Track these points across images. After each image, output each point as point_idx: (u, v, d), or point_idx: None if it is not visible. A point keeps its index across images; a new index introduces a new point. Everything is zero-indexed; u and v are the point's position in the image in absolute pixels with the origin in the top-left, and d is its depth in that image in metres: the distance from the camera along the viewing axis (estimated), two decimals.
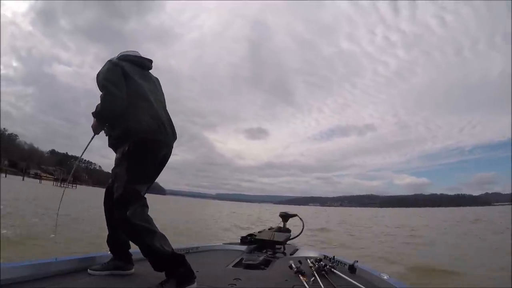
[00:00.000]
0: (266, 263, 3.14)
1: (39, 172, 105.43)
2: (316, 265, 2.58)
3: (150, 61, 2.60)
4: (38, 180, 78.40)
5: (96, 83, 2.30)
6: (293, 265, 2.61)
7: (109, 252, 2.45)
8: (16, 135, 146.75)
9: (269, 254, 3.55)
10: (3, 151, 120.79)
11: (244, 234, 4.40)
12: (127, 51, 2.52)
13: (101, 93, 2.24)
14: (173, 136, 2.45)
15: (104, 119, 2.31)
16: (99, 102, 2.25)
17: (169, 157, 2.46)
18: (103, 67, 2.29)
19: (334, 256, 3.07)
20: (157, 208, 21.98)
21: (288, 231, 4.33)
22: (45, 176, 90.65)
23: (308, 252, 3.86)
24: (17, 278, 1.94)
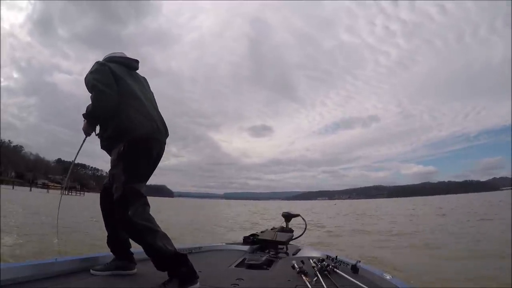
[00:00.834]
0: (268, 263, 3.12)
1: (46, 181, 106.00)
2: (319, 265, 2.56)
3: (137, 62, 2.61)
4: (46, 190, 78.72)
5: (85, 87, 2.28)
6: (295, 265, 2.60)
7: (111, 253, 2.46)
8: (21, 146, 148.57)
9: (272, 254, 3.54)
10: (9, 163, 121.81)
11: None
12: (113, 53, 2.54)
13: (90, 94, 2.23)
14: (165, 133, 2.47)
15: (95, 119, 2.32)
16: (89, 103, 2.24)
17: (162, 154, 2.46)
18: (91, 69, 2.29)
19: (336, 256, 3.04)
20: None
21: (291, 231, 4.30)
22: (53, 185, 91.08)
23: (311, 252, 3.83)
24: (18, 278, 1.94)
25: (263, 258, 3.14)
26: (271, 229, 4.51)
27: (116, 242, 2.42)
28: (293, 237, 4.22)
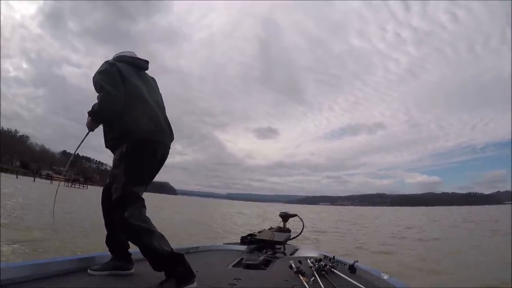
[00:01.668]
0: (266, 263, 3.12)
1: (50, 173, 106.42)
2: (316, 265, 2.55)
3: (146, 62, 2.59)
4: (49, 181, 79.11)
5: (93, 85, 2.29)
6: (293, 265, 2.59)
7: (109, 252, 2.45)
8: (27, 137, 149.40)
9: (269, 254, 3.53)
10: (15, 152, 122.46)
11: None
12: (122, 52, 2.53)
13: (97, 94, 2.23)
14: (171, 136, 2.46)
15: (101, 119, 2.32)
16: (95, 102, 2.24)
17: (166, 157, 2.45)
18: (99, 68, 2.29)
19: (334, 256, 3.04)
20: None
21: (288, 231, 4.30)
22: (57, 177, 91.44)
23: (308, 252, 3.84)
24: (16, 278, 1.93)
25: (261, 258, 3.14)
26: (269, 229, 4.51)
27: (115, 242, 2.40)
28: (291, 237, 4.21)
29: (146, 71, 2.62)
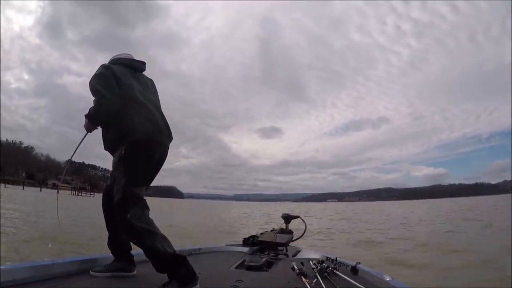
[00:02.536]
0: (268, 265, 3.10)
1: (56, 182, 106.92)
2: (319, 267, 2.53)
3: (143, 63, 2.61)
4: (56, 190, 79.49)
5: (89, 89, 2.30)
6: (295, 266, 2.56)
7: (111, 254, 2.45)
8: (32, 147, 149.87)
9: (271, 256, 3.51)
10: (20, 164, 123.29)
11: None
12: (119, 55, 2.56)
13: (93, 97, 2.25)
14: (169, 136, 2.45)
15: (98, 122, 2.36)
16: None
17: (165, 158, 2.45)
18: (95, 72, 2.31)
19: (336, 258, 3.02)
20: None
21: (291, 232, 4.28)
22: (63, 186, 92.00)
23: (310, 253, 3.81)
24: (18, 280, 1.93)
25: (263, 260, 3.12)
26: (271, 230, 4.50)
27: (117, 243, 2.41)
28: (293, 239, 4.20)
29: (144, 73, 2.64)
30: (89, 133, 2.46)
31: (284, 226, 4.44)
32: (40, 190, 71.22)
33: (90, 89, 2.28)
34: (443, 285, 5.76)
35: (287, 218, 4.47)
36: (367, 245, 10.35)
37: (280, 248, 3.82)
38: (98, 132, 2.43)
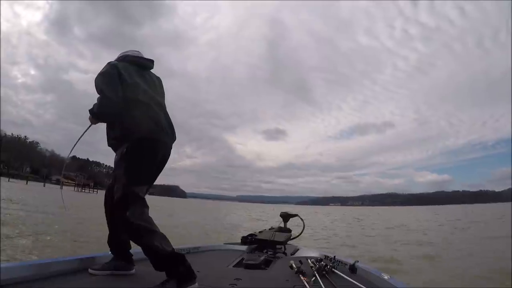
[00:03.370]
0: (266, 263, 3.10)
1: (60, 178, 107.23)
2: (317, 265, 2.54)
3: (150, 61, 2.61)
4: (59, 186, 79.74)
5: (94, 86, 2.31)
6: (293, 265, 2.59)
7: (110, 252, 2.45)
8: (37, 143, 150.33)
9: (270, 254, 3.52)
10: (25, 159, 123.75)
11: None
12: (127, 51, 2.56)
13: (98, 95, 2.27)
14: (172, 136, 2.45)
15: (100, 120, 2.38)
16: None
17: (168, 157, 2.46)
18: (102, 69, 2.32)
19: (334, 256, 3.01)
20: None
21: (289, 231, 4.29)
22: (66, 182, 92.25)
23: (309, 252, 3.82)
24: (17, 278, 1.93)
25: (261, 258, 3.12)
26: (269, 229, 4.49)
27: (116, 241, 2.42)
28: (291, 237, 4.20)
29: (152, 70, 2.64)
30: (93, 126, 2.47)
31: (282, 224, 4.45)
32: (44, 185, 71.50)
33: (95, 87, 2.28)
34: (443, 284, 5.74)
35: (286, 217, 4.48)
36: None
37: (278, 246, 3.81)
38: (102, 129, 2.41)
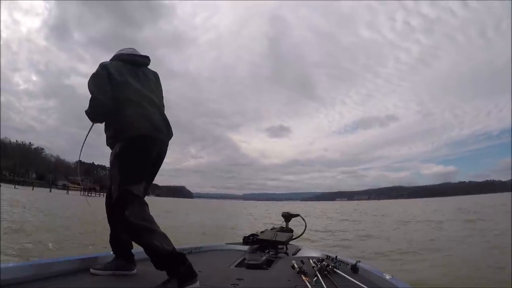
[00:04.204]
0: (268, 263, 3.08)
1: (66, 183, 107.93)
2: (319, 265, 2.51)
3: (145, 58, 2.61)
4: (65, 191, 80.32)
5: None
6: (295, 265, 2.57)
7: (112, 252, 2.45)
8: (42, 149, 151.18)
9: (272, 254, 3.50)
10: (30, 165, 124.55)
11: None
12: (122, 49, 2.57)
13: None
14: (168, 133, 2.45)
15: (94, 121, 2.41)
16: None
17: (164, 155, 2.47)
18: (93, 71, 2.32)
19: (336, 256, 2.98)
20: None
21: (291, 231, 4.26)
22: (73, 187, 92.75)
23: (311, 252, 3.80)
24: (18, 278, 1.93)
25: (263, 258, 3.10)
26: (271, 229, 4.47)
27: (118, 242, 2.41)
28: (293, 237, 4.18)
29: (155, 71, 2.66)
30: (95, 127, 2.48)
31: (284, 224, 4.43)
32: (50, 191, 71.93)
33: (88, 88, 2.30)
34: (443, 284, 5.67)
35: (287, 217, 4.45)
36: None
37: (280, 246, 3.80)
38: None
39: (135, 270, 2.42)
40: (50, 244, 7.22)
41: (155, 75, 2.65)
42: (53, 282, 2.00)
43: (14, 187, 64.61)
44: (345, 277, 2.32)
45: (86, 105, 2.31)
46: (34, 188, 72.70)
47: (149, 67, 2.67)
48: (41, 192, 57.87)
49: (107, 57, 2.51)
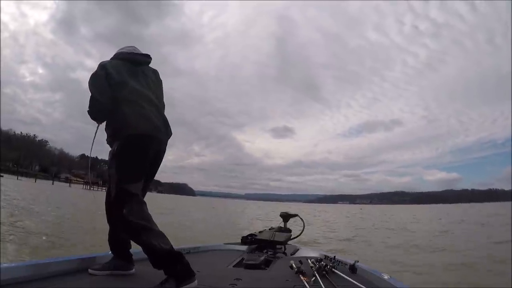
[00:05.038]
0: (266, 263, 3.08)
1: (69, 176, 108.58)
2: (317, 265, 2.51)
3: (145, 56, 2.60)
4: (68, 184, 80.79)
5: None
6: (293, 265, 2.57)
7: (110, 252, 2.45)
8: (46, 141, 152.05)
9: (270, 254, 3.49)
10: (34, 157, 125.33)
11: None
12: (122, 48, 2.57)
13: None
14: (166, 131, 2.45)
15: (95, 120, 2.45)
16: None
17: (163, 153, 2.48)
18: (93, 71, 2.35)
19: (335, 256, 3.00)
20: None
21: (289, 231, 4.27)
22: (75, 180, 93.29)
23: (309, 252, 3.81)
24: (17, 278, 1.93)
25: (261, 258, 3.10)
26: (269, 229, 4.46)
27: (117, 241, 2.41)
28: (291, 237, 4.18)
29: (158, 70, 2.67)
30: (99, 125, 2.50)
31: (282, 224, 4.43)
32: (53, 183, 72.31)
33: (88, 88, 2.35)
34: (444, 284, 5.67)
35: (286, 217, 4.46)
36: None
37: (278, 246, 3.80)
38: None
39: (134, 270, 2.41)
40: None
41: (155, 73, 2.66)
42: (52, 282, 2.00)
43: (17, 178, 64.98)
44: (343, 277, 2.31)
45: None
46: (37, 180, 73.05)
47: (154, 65, 2.69)
48: (43, 184, 58.19)
49: (113, 53, 2.52)
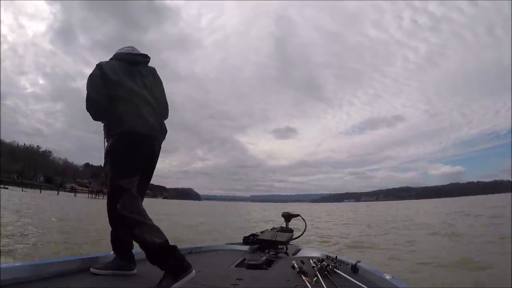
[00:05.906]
0: (268, 263, 3.07)
1: (74, 185, 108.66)
2: (319, 265, 2.52)
3: (143, 56, 2.65)
4: (73, 194, 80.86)
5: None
6: (295, 265, 2.57)
7: (112, 252, 2.48)
8: (50, 152, 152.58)
9: (272, 254, 3.49)
10: (38, 168, 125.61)
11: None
12: (121, 49, 2.65)
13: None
14: (161, 130, 2.52)
15: (95, 119, 2.48)
16: None
17: (158, 151, 2.54)
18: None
19: (336, 256, 2.98)
20: None
21: (291, 231, 4.24)
22: (80, 189, 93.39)
23: (311, 252, 3.79)
24: (18, 278, 1.94)
25: (263, 258, 3.09)
26: (271, 229, 4.45)
27: (119, 241, 2.43)
28: (293, 237, 4.16)
29: (158, 72, 2.71)
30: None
31: (284, 224, 4.42)
32: (58, 193, 72.38)
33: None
34: (443, 284, 5.61)
35: (287, 217, 4.44)
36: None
37: (280, 246, 3.79)
38: None
39: (136, 270, 2.43)
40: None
41: (152, 72, 2.68)
42: (53, 282, 2.00)
43: (22, 190, 65.06)
44: (345, 277, 2.31)
45: None
46: (42, 191, 73.10)
47: (155, 68, 2.73)
48: (49, 196, 58.15)
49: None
